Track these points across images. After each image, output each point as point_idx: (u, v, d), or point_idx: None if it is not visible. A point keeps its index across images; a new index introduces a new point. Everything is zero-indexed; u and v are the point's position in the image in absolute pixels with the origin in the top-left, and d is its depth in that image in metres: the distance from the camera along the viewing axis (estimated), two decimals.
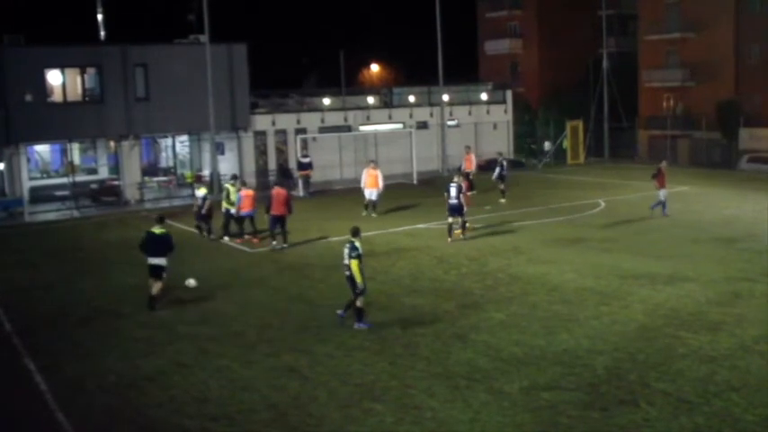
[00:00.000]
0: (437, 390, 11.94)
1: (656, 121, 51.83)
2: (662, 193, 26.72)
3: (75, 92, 35.46)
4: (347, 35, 73.82)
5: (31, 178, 35.62)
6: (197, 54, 35.80)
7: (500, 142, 47.38)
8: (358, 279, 14.95)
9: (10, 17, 54.60)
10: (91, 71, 35.53)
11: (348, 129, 42.27)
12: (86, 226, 29.73)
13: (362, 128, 42.81)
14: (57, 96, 34.83)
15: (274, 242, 23.39)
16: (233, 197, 24.39)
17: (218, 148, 38.03)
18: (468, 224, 24.43)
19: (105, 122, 35.19)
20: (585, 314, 15.55)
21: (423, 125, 44.49)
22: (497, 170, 31.61)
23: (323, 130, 41.67)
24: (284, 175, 37.99)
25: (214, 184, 34.60)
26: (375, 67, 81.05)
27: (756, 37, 47.39)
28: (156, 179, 38.49)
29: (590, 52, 56.46)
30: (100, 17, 41.11)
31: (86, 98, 35.50)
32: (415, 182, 38.73)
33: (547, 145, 50.40)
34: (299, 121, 41.36)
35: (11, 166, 33.67)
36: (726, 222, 25.86)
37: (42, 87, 34.07)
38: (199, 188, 25.42)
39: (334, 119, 42.65)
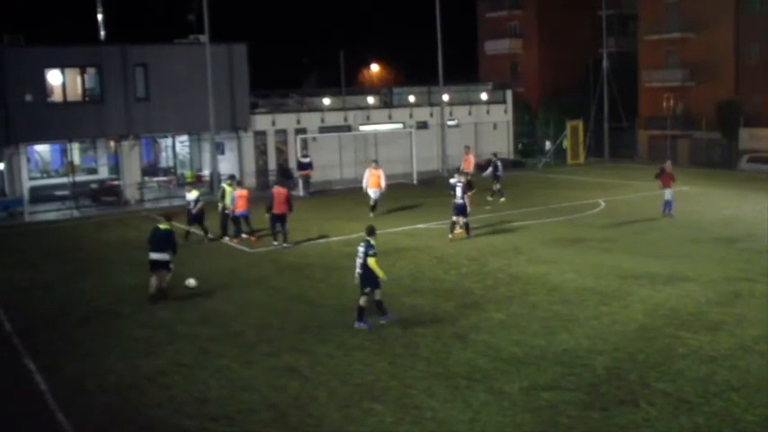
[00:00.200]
0: (437, 390, 11.94)
1: (656, 121, 51.83)
2: (667, 193, 26.69)
3: (75, 92, 35.47)
4: (347, 35, 73.90)
5: (31, 178, 35.63)
6: (197, 54, 35.81)
7: (500, 142, 47.42)
8: (380, 274, 15.05)
9: (10, 17, 54.65)
10: (91, 71, 35.54)
11: (348, 129, 42.27)
12: (86, 226, 29.73)
13: (362, 128, 42.82)
14: (57, 96, 34.84)
15: (275, 242, 23.45)
16: (228, 197, 24.43)
17: (218, 148, 38.04)
18: (461, 228, 24.50)
19: (105, 122, 35.19)
20: (585, 314, 15.55)
21: (423, 125, 44.50)
22: (490, 169, 31.63)
23: (323, 130, 41.67)
24: (284, 175, 37.99)
25: (214, 183, 34.60)
26: (375, 67, 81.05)
27: (756, 37, 47.38)
28: (156, 179, 38.49)
29: (590, 52, 56.46)
30: (100, 17, 41.09)
31: (86, 98, 35.51)
32: (414, 182, 38.74)
33: (547, 144, 50.43)
34: (299, 121, 41.37)
35: (11, 166, 33.67)
36: (726, 222, 25.86)
37: (42, 87, 34.07)
38: (190, 191, 25.12)
39: (334, 119, 42.66)
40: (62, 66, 34.63)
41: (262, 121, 40.29)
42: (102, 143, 38.09)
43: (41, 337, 15.56)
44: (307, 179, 36.02)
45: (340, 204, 32.47)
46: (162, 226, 17.71)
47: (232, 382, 12.57)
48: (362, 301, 15.15)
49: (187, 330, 15.45)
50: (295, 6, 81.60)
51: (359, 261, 15.24)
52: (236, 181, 25.83)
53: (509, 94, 49.77)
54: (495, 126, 47.70)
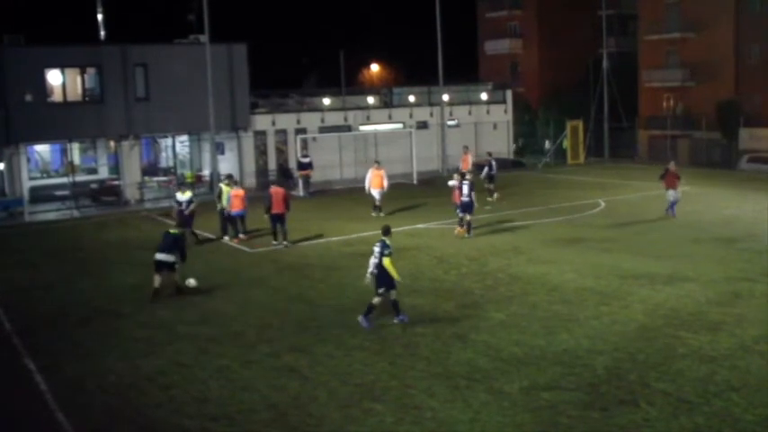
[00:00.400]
0: (437, 390, 11.94)
1: (656, 121, 51.85)
2: (670, 194, 26.66)
3: (75, 92, 35.47)
4: (347, 35, 73.96)
5: (31, 178, 35.63)
6: (197, 54, 35.81)
7: (500, 142, 47.47)
8: (394, 275, 15.04)
9: (10, 17, 54.67)
10: (91, 71, 35.55)
11: (348, 129, 42.29)
12: (86, 226, 29.73)
13: (362, 128, 42.83)
14: (57, 96, 34.85)
15: (275, 242, 23.49)
16: (224, 197, 24.44)
17: (218, 148, 38.04)
18: (462, 227, 24.58)
19: (105, 122, 35.21)
20: (585, 314, 15.54)
21: (423, 125, 44.52)
22: (485, 170, 31.65)
23: (323, 130, 41.69)
24: (284, 175, 38.02)
25: (214, 183, 34.60)
26: (375, 67, 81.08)
27: (756, 37, 47.39)
28: (156, 179, 38.50)
29: (590, 52, 56.48)
30: (100, 17, 41.09)
31: (86, 98, 35.52)
32: (414, 182, 38.74)
33: (546, 144, 50.43)
34: (299, 121, 41.39)
35: (11, 166, 33.68)
36: (726, 222, 25.85)
37: (42, 87, 34.08)
38: (184, 192, 24.72)
39: (334, 119, 42.68)
40: (62, 66, 34.64)
41: (262, 121, 40.31)
42: (102, 143, 38.10)
43: (41, 337, 15.55)
44: (307, 179, 36.02)
45: (340, 204, 32.47)
46: (173, 231, 18.17)
47: (232, 382, 12.57)
48: (375, 300, 15.17)
49: (187, 330, 15.44)
50: (295, 6, 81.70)
51: (373, 261, 15.24)
52: (233, 180, 25.83)
53: (509, 94, 49.79)
54: (495, 126, 47.72)
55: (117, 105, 35.39)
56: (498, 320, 15.36)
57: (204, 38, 35.51)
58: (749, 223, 25.40)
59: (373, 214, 28.24)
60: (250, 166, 39.27)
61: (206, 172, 38.98)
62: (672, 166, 27.29)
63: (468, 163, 33.54)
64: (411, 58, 72.07)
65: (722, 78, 48.99)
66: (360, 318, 15.13)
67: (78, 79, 35.38)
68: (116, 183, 36.36)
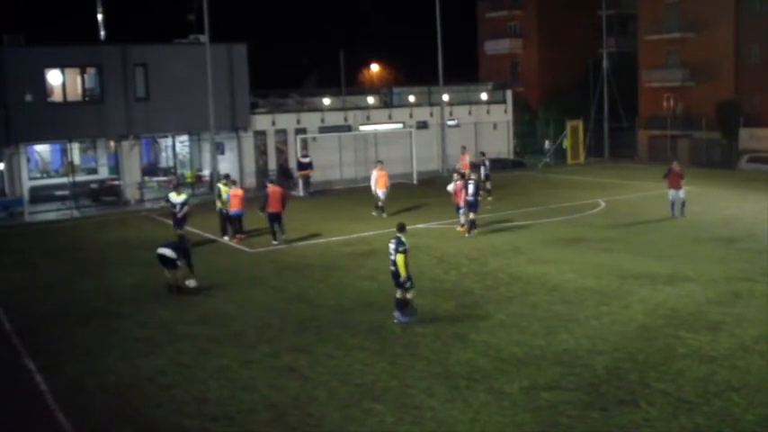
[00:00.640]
0: (437, 390, 11.94)
1: (656, 121, 51.85)
2: (671, 193, 26.65)
3: (75, 92, 35.47)
4: (347, 35, 73.95)
5: (31, 178, 35.63)
6: (197, 54, 35.80)
7: (500, 142, 47.50)
8: (402, 272, 15.06)
9: (10, 17, 54.66)
10: (91, 71, 35.54)
11: (348, 129, 42.28)
12: (86, 226, 29.73)
13: (362, 128, 42.83)
14: (57, 96, 34.84)
15: (275, 242, 23.52)
16: (224, 197, 24.44)
17: (218, 148, 38.03)
18: (463, 225, 24.64)
19: (105, 122, 35.20)
20: (585, 314, 15.54)
21: (423, 125, 44.50)
22: (482, 170, 31.65)
23: (323, 130, 41.68)
24: (284, 175, 38.03)
25: (214, 184, 34.58)
26: (375, 67, 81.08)
27: (756, 37, 47.40)
28: (156, 179, 38.49)
29: (590, 52, 56.49)
30: (100, 17, 41.09)
31: (86, 98, 35.51)
32: (414, 182, 38.73)
33: (546, 144, 50.42)
34: (299, 121, 41.38)
35: (11, 166, 33.67)
36: (726, 222, 25.85)
37: (42, 87, 34.07)
38: (179, 193, 24.24)
39: (334, 119, 42.67)
40: (62, 66, 34.63)
41: (262, 121, 40.30)
42: (102, 143, 38.10)
43: (41, 337, 15.55)
44: (307, 179, 36.02)
45: (340, 204, 32.47)
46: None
47: (232, 382, 12.57)
48: (410, 294, 15.25)
49: (187, 330, 15.45)
50: (295, 6, 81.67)
51: (391, 258, 15.31)
52: (230, 180, 25.83)
53: (509, 94, 49.78)
54: (495, 126, 47.70)
55: (117, 105, 35.39)
56: (498, 320, 15.36)
57: (204, 38, 35.50)
58: (749, 223, 25.40)
59: (374, 213, 28.23)
60: (250, 166, 39.26)
61: (206, 172, 38.98)
62: (675, 165, 27.22)
63: (466, 163, 33.57)
64: (411, 58, 72.12)
65: (722, 78, 48.99)
66: (395, 314, 15.18)
67: (78, 79, 35.37)
68: (116, 183, 36.36)
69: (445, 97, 44.86)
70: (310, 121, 41.85)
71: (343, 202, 32.98)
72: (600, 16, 51.78)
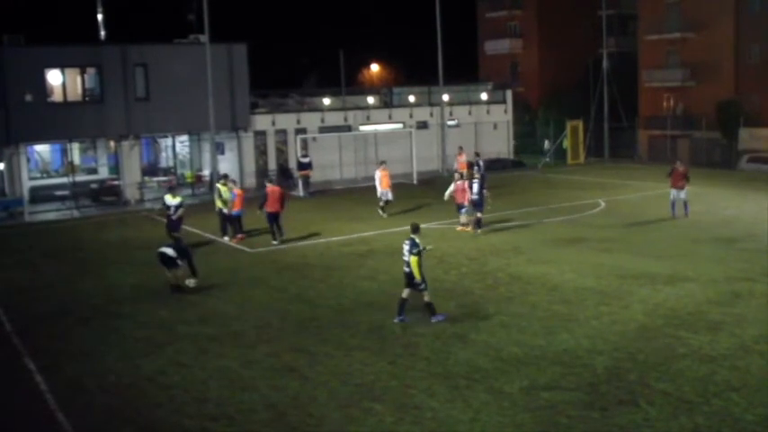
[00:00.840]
0: (437, 390, 11.94)
1: (656, 121, 51.84)
2: (672, 193, 26.65)
3: (75, 92, 35.47)
4: (347, 35, 73.86)
5: (31, 178, 35.63)
6: (197, 54, 35.79)
7: (500, 142, 47.51)
8: (417, 275, 15.08)
9: (10, 17, 54.65)
10: (91, 71, 35.55)
11: (348, 129, 42.29)
12: (86, 226, 29.73)
13: (362, 128, 42.84)
14: (57, 96, 34.85)
15: (275, 242, 23.54)
16: (225, 196, 24.41)
17: (218, 148, 38.03)
18: (465, 225, 24.65)
19: (105, 122, 35.21)
20: (585, 314, 15.54)
21: (423, 125, 44.51)
22: (474, 170, 31.62)
23: (323, 130, 41.69)
24: (284, 175, 38.03)
25: (214, 184, 34.58)
26: (375, 67, 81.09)
27: (756, 37, 47.40)
28: (156, 179, 38.48)
29: (590, 52, 56.50)
30: (100, 17, 41.09)
31: (86, 98, 35.52)
32: (414, 182, 38.73)
33: (546, 144, 50.39)
34: (299, 121, 41.39)
35: (11, 166, 33.68)
36: (726, 222, 25.84)
37: (42, 87, 34.08)
38: (174, 196, 23.93)
39: (334, 119, 42.68)
40: (62, 66, 34.64)
41: (262, 121, 40.31)
42: (102, 143, 38.10)
43: (41, 337, 15.55)
44: (306, 179, 36.02)
45: (340, 204, 32.46)
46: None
47: (232, 382, 12.57)
48: (426, 296, 15.29)
49: (187, 330, 15.45)
50: (295, 6, 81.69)
51: (405, 259, 15.35)
52: (230, 180, 25.82)
53: (509, 94, 49.79)
54: (495, 126, 47.71)
55: (117, 105, 35.39)
56: (498, 320, 15.36)
57: (204, 38, 35.48)
58: (749, 223, 25.39)
59: (384, 215, 28.15)
60: (250, 166, 39.27)
61: (206, 172, 38.98)
62: (678, 165, 27.18)
63: (463, 163, 33.57)
64: (411, 58, 72.16)
65: (722, 78, 49.00)
66: (432, 319, 15.19)
67: (78, 79, 35.38)
68: (116, 183, 36.36)
69: (445, 97, 44.86)
70: (310, 121, 41.85)
71: (343, 202, 32.98)
72: (600, 16, 51.78)
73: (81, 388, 12.64)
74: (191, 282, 18.16)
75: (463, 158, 34.34)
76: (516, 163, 47.08)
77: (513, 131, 49.84)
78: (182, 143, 40.36)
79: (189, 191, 36.99)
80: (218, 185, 25.25)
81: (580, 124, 48.09)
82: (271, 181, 25.58)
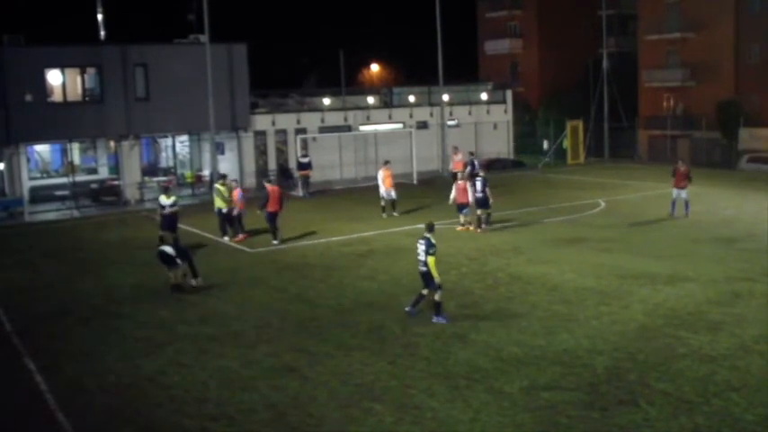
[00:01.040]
0: (437, 390, 11.94)
1: (656, 121, 51.84)
2: (674, 192, 26.66)
3: (75, 92, 35.46)
4: (347, 35, 73.91)
5: (31, 178, 35.62)
6: (197, 54, 35.79)
7: (500, 142, 47.49)
8: (435, 275, 15.15)
9: (10, 17, 54.66)
10: (91, 71, 35.54)
11: (348, 129, 42.29)
12: (86, 226, 29.72)
13: (362, 128, 42.83)
14: (57, 96, 34.84)
15: (275, 241, 23.56)
16: (226, 195, 24.41)
17: (218, 148, 38.04)
18: (466, 225, 24.67)
19: (105, 122, 35.20)
20: (585, 314, 15.54)
21: (423, 125, 44.51)
22: (468, 170, 31.66)
23: (323, 130, 41.69)
24: (284, 175, 38.03)
25: (214, 184, 34.59)
26: (375, 67, 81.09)
27: (756, 37, 47.40)
28: (156, 179, 38.45)
29: (590, 52, 56.50)
30: (100, 17, 41.07)
31: (86, 98, 35.51)
32: (414, 182, 38.72)
33: (545, 144, 50.39)
34: (299, 121, 41.39)
35: (11, 166, 33.67)
36: (726, 222, 25.84)
37: (42, 87, 34.07)
38: (169, 196, 23.58)
39: (334, 119, 42.67)
40: (62, 66, 34.63)
41: (262, 121, 40.31)
42: (102, 143, 38.09)
43: (41, 337, 15.55)
44: (306, 179, 36.01)
45: (340, 204, 32.46)
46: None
47: (232, 382, 12.57)
48: (437, 296, 15.29)
49: (187, 330, 15.45)
50: (295, 6, 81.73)
51: (420, 259, 15.34)
52: (232, 180, 25.78)
53: (509, 94, 49.78)
54: (495, 126, 47.71)
55: (117, 105, 35.39)
56: (498, 320, 15.36)
57: (204, 38, 35.48)
58: (749, 223, 25.39)
59: (395, 214, 28.15)
60: (250, 166, 39.27)
61: (206, 172, 38.96)
62: (680, 165, 27.16)
63: (458, 163, 33.57)
64: (411, 58, 72.19)
65: (722, 78, 48.99)
66: (434, 319, 15.20)
67: (78, 79, 35.37)
68: (116, 183, 36.36)
69: (445, 97, 44.86)
70: (310, 121, 41.85)
71: (343, 202, 32.97)
72: (600, 16, 51.77)
73: (81, 388, 12.64)
74: (195, 281, 18.33)
75: (459, 158, 34.35)
76: (516, 163, 47.06)
77: (513, 131, 49.83)
78: (182, 143, 40.35)
79: (189, 191, 37.00)
80: (217, 185, 25.24)
81: (580, 124, 48.08)
82: (270, 181, 25.60)
